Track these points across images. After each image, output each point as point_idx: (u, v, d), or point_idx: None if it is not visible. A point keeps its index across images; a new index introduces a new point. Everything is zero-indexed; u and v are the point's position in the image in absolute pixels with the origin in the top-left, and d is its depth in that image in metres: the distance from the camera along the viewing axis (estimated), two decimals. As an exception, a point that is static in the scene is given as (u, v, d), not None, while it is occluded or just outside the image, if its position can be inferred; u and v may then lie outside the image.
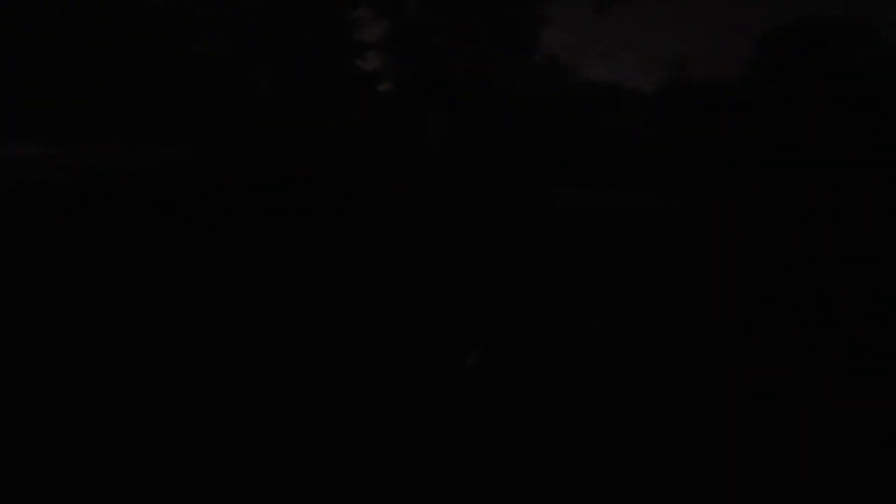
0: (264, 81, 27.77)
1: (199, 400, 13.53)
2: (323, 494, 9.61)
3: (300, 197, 26.93)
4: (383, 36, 29.25)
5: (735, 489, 6.68)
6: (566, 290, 14.70)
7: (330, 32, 28.98)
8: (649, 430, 9.07)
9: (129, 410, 13.27)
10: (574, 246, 17.93)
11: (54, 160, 19.86)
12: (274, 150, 27.54)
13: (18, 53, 24.83)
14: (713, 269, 15.58)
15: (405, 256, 19.86)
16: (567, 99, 27.79)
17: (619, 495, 7.06)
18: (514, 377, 10.59)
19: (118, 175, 19.70)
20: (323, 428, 11.53)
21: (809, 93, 34.49)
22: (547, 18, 27.43)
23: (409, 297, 16.11)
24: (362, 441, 10.42)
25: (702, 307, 12.73)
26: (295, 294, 18.17)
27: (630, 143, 28.57)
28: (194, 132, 28.16)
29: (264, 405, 12.75)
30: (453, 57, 27.29)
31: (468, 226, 21.64)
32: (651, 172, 27.99)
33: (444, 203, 25.38)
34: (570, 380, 10.90)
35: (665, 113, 30.12)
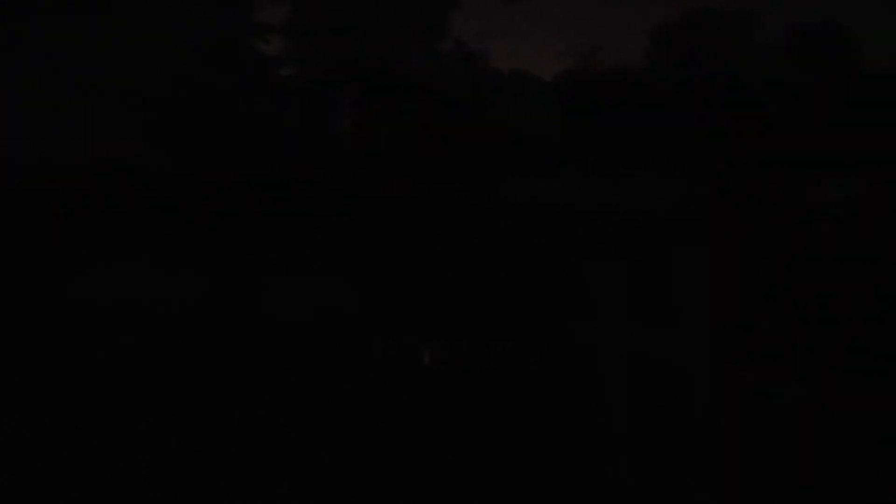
0: (160, 67, 26.48)
1: (109, 404, 12.89)
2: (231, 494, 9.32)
3: (203, 188, 25.92)
4: (285, 18, 28.44)
5: (734, 489, 6.84)
6: (512, 282, 14.74)
7: (229, 15, 27.91)
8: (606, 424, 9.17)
9: (25, 417, 12.50)
10: (514, 236, 18.10)
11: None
12: (174, 140, 26.36)
13: None
14: (663, 253, 16.05)
15: (323, 247, 19.45)
16: (475, 86, 27.84)
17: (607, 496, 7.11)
18: (468, 373, 10.50)
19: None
20: (244, 433, 11.15)
21: (699, 80, 35.75)
22: (456, 4, 27.33)
23: (335, 291, 15.77)
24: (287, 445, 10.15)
25: (658, 291, 13.08)
26: (210, 291, 17.49)
27: (537, 131, 28.94)
28: (83, 121, 26.60)
29: (177, 408, 12.23)
30: (360, 42, 26.83)
31: (387, 216, 21.44)
32: (558, 159, 28.47)
33: (357, 193, 25.01)
34: (520, 372, 10.94)
35: (569, 100, 30.64)
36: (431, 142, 27.68)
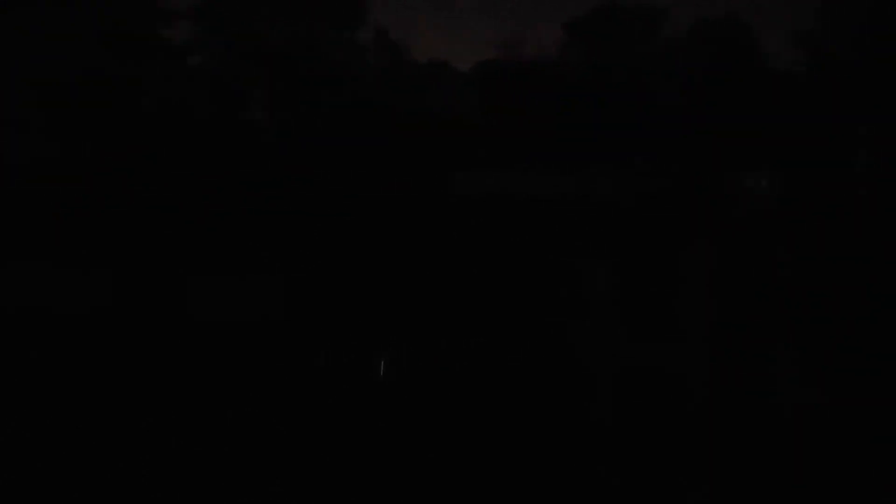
0: (60, 57, 24.76)
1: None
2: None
3: (110, 182, 24.46)
4: (193, 4, 27.08)
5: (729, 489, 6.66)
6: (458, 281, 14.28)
7: (133, 1, 26.41)
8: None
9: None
10: (467, 231, 17.63)
11: None
12: (75, 133, 24.72)
13: None
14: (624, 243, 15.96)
15: (252, 245, 18.46)
16: (394, 76, 27.28)
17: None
18: (425, 378, 10.02)
19: None
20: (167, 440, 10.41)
21: (611, 72, 36.14)
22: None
23: (265, 292, 14.92)
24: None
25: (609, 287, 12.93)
26: (124, 292, 16.40)
27: (455, 119, 28.63)
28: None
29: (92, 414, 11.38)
30: (274, 30, 25.80)
31: (317, 211, 20.60)
32: (477, 148, 28.25)
33: (280, 186, 24.07)
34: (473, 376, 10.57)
35: (488, 91, 30.45)
36: (350, 133, 26.98)
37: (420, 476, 7.68)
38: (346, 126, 26.32)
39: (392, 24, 27.05)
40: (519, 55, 33.51)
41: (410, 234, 17.64)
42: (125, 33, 27.24)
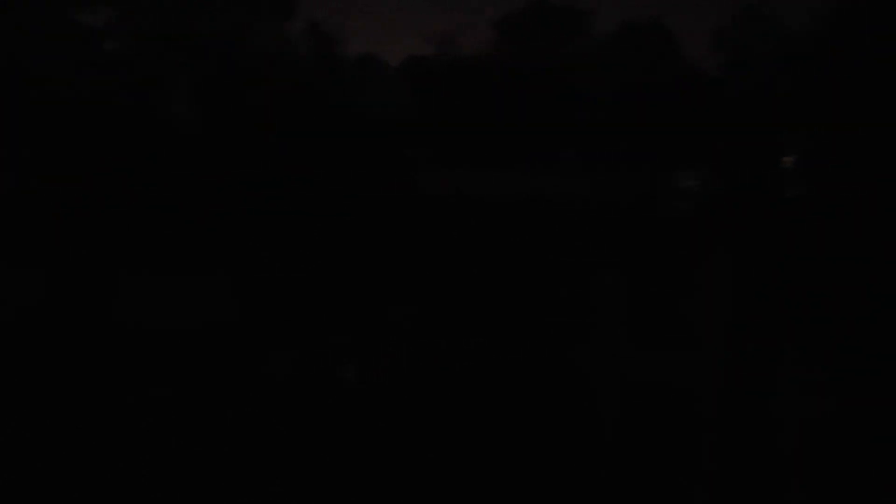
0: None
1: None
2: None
3: (25, 175, 22.84)
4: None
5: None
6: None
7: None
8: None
9: None
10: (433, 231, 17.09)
11: None
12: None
13: None
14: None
15: (189, 243, 17.37)
16: (321, 70, 26.52)
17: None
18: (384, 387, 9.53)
19: None
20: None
21: (541, 71, 36.23)
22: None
23: (208, 294, 14.03)
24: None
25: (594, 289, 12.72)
26: (49, 292, 15.22)
27: (385, 118, 28.09)
28: None
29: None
30: (198, 17, 24.61)
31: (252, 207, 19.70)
32: (407, 143, 27.79)
33: (203, 181, 22.99)
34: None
35: (419, 87, 30.02)
36: (277, 126, 26.07)
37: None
38: (273, 119, 25.41)
39: (324, 17, 26.25)
40: (449, 51, 33.23)
41: (371, 232, 17.12)
42: (41, 17, 25.57)
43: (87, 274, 15.28)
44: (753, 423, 7.47)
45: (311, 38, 25.86)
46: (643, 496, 6.44)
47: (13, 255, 16.89)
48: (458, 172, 27.32)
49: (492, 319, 11.44)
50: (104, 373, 12.01)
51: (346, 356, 10.51)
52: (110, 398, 10.61)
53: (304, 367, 11.01)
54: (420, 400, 9.29)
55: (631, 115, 33.95)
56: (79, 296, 14.41)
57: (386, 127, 27.13)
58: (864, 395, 7.68)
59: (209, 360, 11.86)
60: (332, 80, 26.79)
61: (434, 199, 22.72)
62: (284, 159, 23.54)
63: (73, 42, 25.44)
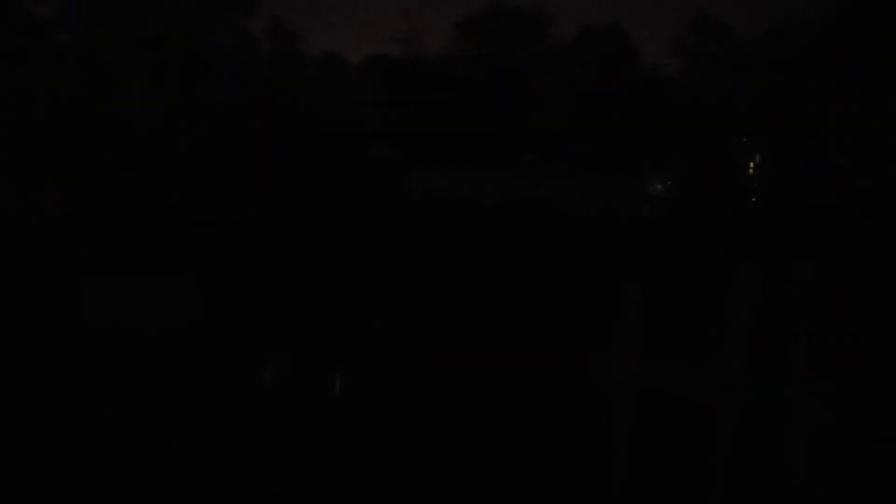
0: None
1: None
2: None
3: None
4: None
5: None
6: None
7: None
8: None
9: None
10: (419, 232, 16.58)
11: None
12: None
13: None
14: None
15: (152, 241, 16.41)
16: (283, 68, 25.90)
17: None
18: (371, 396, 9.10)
19: None
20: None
21: (500, 73, 36.20)
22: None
23: (173, 295, 13.31)
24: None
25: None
26: (6, 293, 14.39)
27: (348, 118, 27.61)
28: None
29: None
30: (156, 10, 23.71)
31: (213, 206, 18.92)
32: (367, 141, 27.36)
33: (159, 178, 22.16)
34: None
35: (382, 87, 29.60)
36: (237, 123, 25.32)
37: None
38: (232, 116, 24.68)
39: (287, 13, 25.62)
40: (411, 50, 32.89)
41: (352, 231, 16.63)
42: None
43: (40, 275, 14.43)
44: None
45: (276, 34, 25.18)
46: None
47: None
48: (421, 172, 27.00)
49: (450, 320, 11.20)
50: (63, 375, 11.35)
51: (329, 364, 10.07)
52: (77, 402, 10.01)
53: (290, 372, 10.52)
54: (397, 408, 8.93)
55: (589, 117, 34.03)
56: (32, 296, 13.61)
57: (348, 126, 26.64)
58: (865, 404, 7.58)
59: (186, 365, 11.27)
60: (293, 76, 26.19)
61: (396, 199, 22.34)
62: (242, 157, 22.84)
63: (22, 33, 24.30)
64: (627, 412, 7.59)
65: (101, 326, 12.79)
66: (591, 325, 11.65)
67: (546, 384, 9.76)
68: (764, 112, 29.54)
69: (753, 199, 24.40)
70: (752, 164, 25.95)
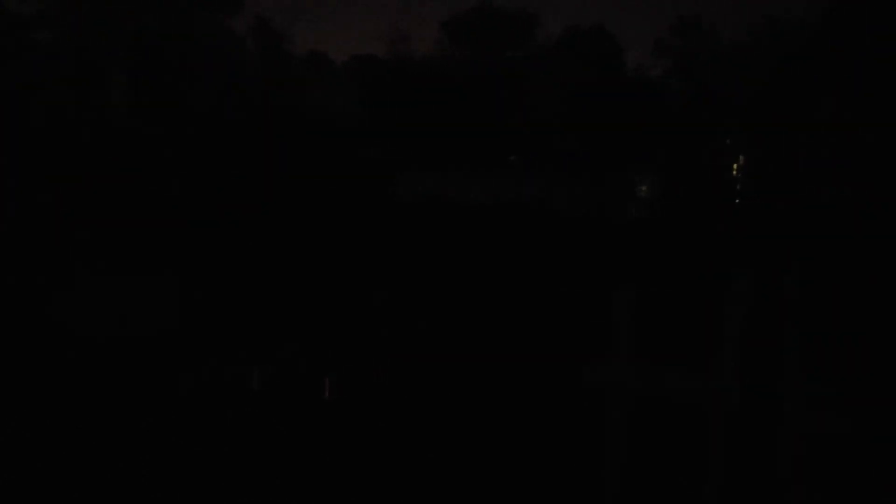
0: None
1: None
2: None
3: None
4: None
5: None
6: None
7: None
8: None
9: None
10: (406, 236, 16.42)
11: None
12: None
13: None
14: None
15: (131, 241, 16.18)
16: (268, 68, 25.71)
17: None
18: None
19: None
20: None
21: (487, 73, 36.17)
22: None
23: (152, 296, 13.11)
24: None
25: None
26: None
27: (334, 118, 27.46)
28: None
29: None
30: (140, 8, 23.47)
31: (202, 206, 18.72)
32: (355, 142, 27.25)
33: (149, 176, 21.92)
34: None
35: (368, 88, 29.48)
36: (222, 124, 25.10)
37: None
38: (217, 115, 24.47)
39: (272, 13, 25.42)
40: (396, 51, 32.79)
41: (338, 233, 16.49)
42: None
43: (20, 271, 14.19)
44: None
45: (261, 34, 24.96)
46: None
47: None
48: (407, 173, 26.90)
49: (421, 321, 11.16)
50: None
51: (319, 366, 9.95)
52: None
53: (277, 375, 10.40)
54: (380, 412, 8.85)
55: (575, 117, 34.06)
56: (10, 294, 13.37)
57: (333, 127, 26.49)
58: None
59: (170, 370, 11.09)
60: (278, 76, 26.01)
61: (382, 200, 22.22)
62: (227, 158, 22.64)
63: (1, 32, 23.95)
64: (619, 414, 7.58)
65: (85, 331, 12.59)
66: (581, 327, 11.62)
67: (536, 386, 9.71)
68: (748, 114, 29.70)
69: (737, 201, 24.50)
70: (735, 166, 26.05)
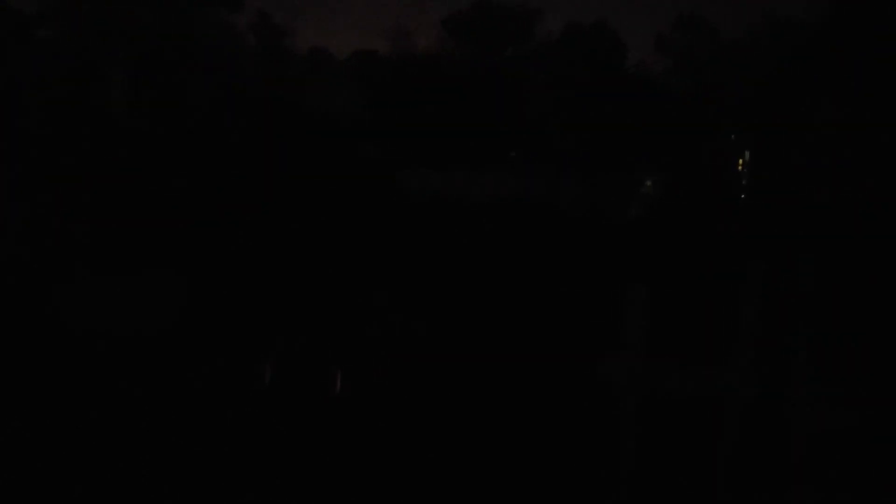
0: None
1: None
2: None
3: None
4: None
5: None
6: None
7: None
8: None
9: None
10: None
11: None
12: None
13: None
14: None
15: (129, 238, 16.15)
16: (269, 64, 25.62)
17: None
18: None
19: None
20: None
21: (489, 70, 36.12)
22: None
23: (156, 293, 13.08)
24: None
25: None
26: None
27: (335, 114, 27.37)
28: None
29: None
30: (140, 5, 23.39)
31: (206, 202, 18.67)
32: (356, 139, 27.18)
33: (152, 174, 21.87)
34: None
35: (369, 84, 29.40)
36: (222, 122, 25.04)
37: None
38: (218, 112, 24.40)
39: (273, 8, 25.31)
40: (397, 47, 32.73)
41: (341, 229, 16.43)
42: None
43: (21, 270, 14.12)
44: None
45: (262, 30, 24.87)
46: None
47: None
48: (409, 170, 26.84)
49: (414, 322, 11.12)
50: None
51: (323, 364, 9.88)
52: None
53: (279, 374, 10.30)
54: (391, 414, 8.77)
55: (576, 114, 33.97)
56: (13, 293, 13.29)
57: (335, 124, 26.41)
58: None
59: (174, 368, 10.98)
60: (280, 73, 25.91)
61: (386, 197, 22.16)
62: (228, 155, 22.57)
63: (2, 29, 23.89)
64: (630, 411, 7.52)
65: (87, 330, 12.48)
66: (589, 325, 11.55)
67: (546, 383, 9.65)
68: (750, 111, 29.61)
69: (742, 197, 24.43)
70: (741, 162, 25.98)
